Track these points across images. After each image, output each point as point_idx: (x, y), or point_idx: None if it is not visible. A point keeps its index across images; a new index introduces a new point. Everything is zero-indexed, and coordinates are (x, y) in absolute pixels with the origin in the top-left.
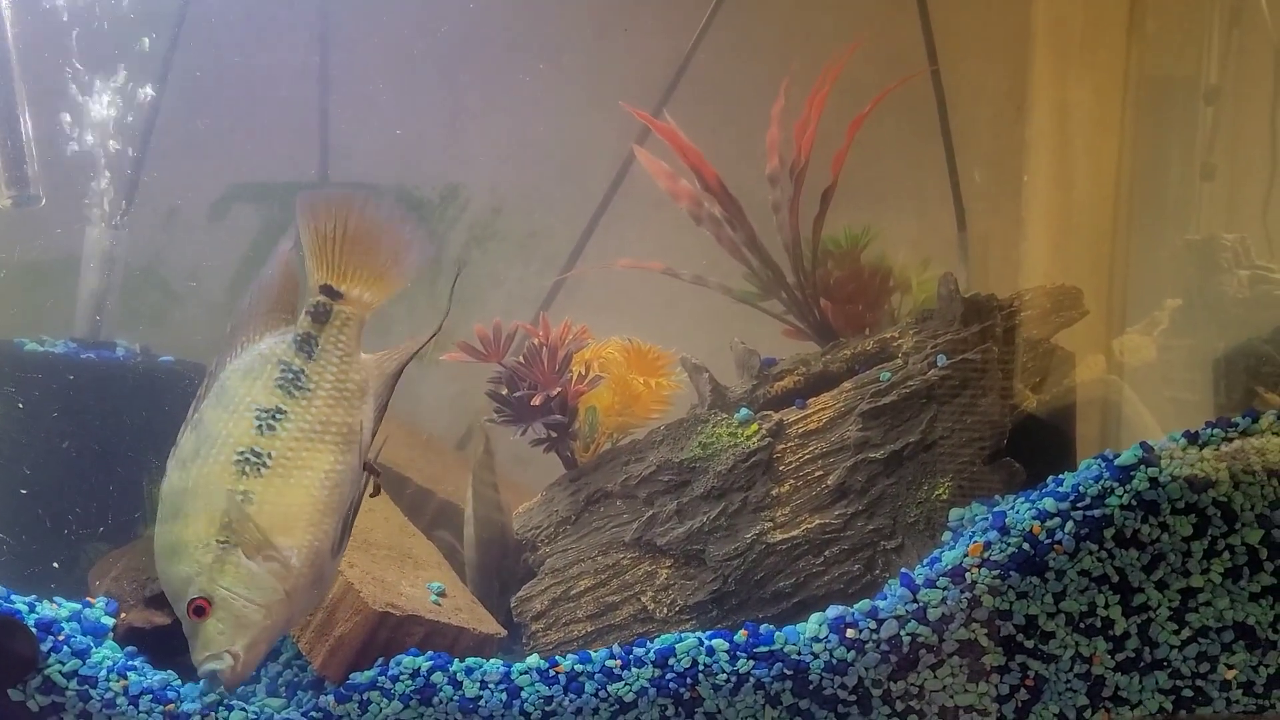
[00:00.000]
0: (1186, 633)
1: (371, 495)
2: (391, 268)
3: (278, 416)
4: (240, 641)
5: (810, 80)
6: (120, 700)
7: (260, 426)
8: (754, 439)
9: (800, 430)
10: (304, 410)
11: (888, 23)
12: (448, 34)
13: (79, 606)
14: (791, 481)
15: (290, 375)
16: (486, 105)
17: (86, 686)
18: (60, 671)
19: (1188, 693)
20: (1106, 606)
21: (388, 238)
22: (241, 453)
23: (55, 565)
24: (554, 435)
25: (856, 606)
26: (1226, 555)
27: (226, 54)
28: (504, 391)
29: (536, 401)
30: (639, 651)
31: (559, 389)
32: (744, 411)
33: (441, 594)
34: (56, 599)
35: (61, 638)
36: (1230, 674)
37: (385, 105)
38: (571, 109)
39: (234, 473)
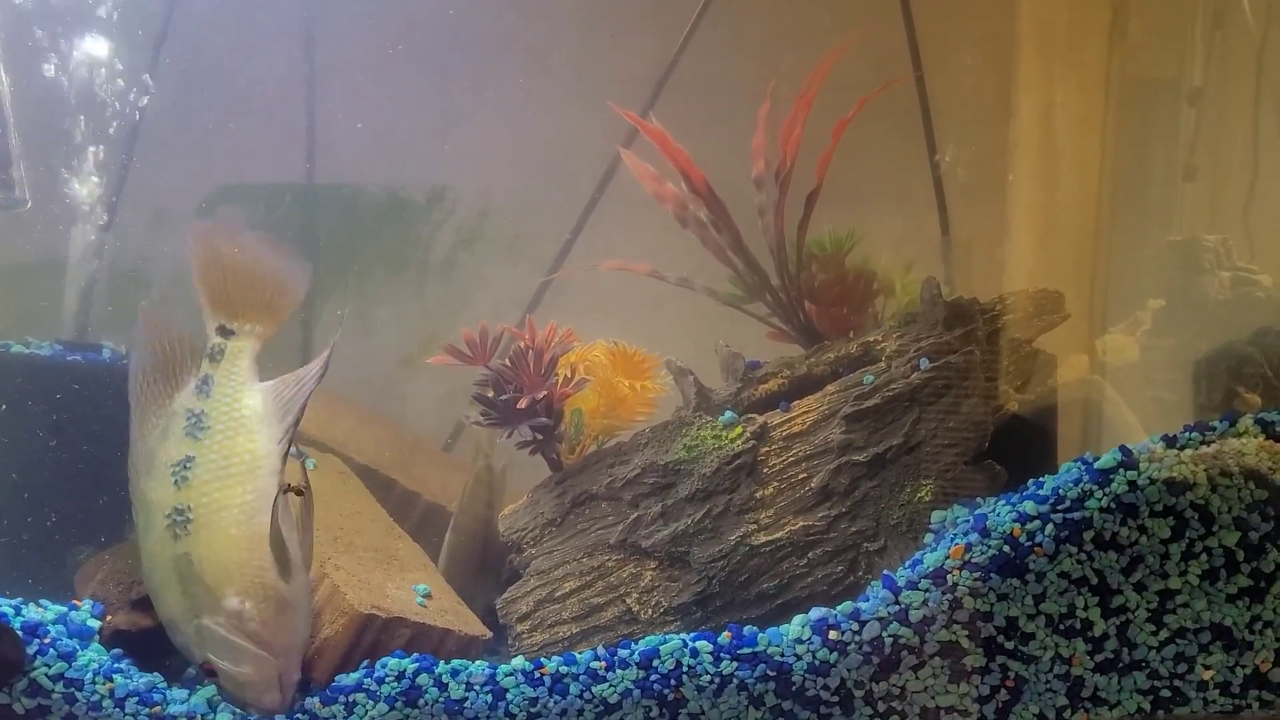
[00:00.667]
0: (1164, 634)
1: (299, 493)
2: (278, 296)
3: (188, 465)
4: (250, 695)
5: (797, 82)
6: (106, 703)
7: (176, 481)
8: (738, 442)
9: (784, 433)
10: (208, 450)
11: (876, 24)
12: (434, 35)
13: (65, 609)
14: (775, 484)
15: (193, 420)
16: (474, 106)
17: (72, 689)
18: (46, 674)
19: (1165, 693)
20: (1086, 608)
21: (267, 267)
22: (169, 515)
23: (41, 567)
24: (539, 438)
25: (839, 608)
26: (1204, 557)
27: (212, 54)
28: (490, 394)
29: (522, 404)
30: (623, 653)
31: (545, 392)
32: (728, 414)
33: (427, 596)
34: (43, 601)
35: (48, 640)
36: (1207, 674)
37: (372, 106)
38: (559, 110)
39: (170, 539)
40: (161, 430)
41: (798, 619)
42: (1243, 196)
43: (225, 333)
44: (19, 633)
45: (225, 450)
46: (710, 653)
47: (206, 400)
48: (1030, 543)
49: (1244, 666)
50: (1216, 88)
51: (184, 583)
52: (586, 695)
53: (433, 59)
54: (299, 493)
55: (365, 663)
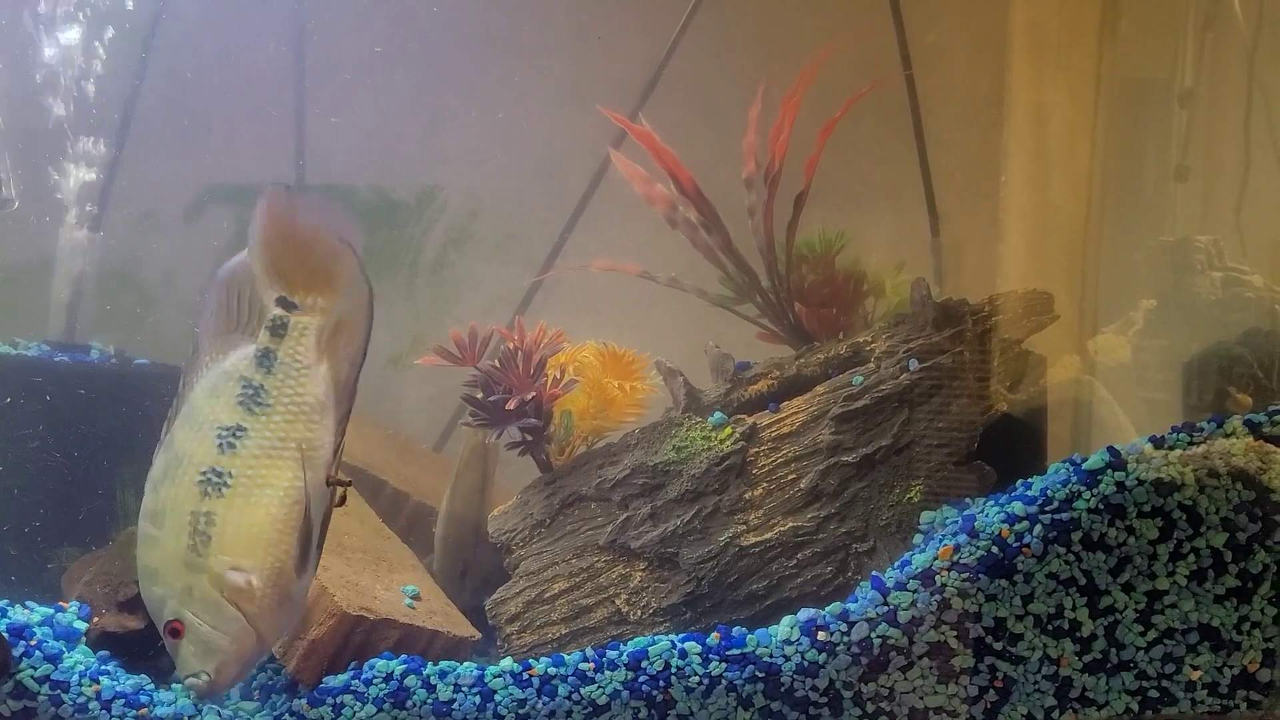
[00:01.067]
0: (1152, 634)
1: (337, 505)
2: (338, 268)
3: (238, 434)
4: (210, 665)
5: (789, 83)
6: (93, 705)
7: (221, 445)
8: (727, 442)
9: (773, 434)
10: (263, 426)
11: (867, 26)
12: (425, 35)
13: (51, 611)
14: (765, 485)
15: (250, 391)
16: (464, 107)
17: (59, 691)
18: (32, 677)
19: (1153, 693)
20: (1074, 609)
21: (329, 237)
22: (204, 472)
23: (28, 569)
24: (529, 439)
25: (828, 609)
26: (1192, 558)
27: (201, 55)
28: (479, 395)
29: (511, 405)
30: (612, 654)
31: (534, 393)
32: (718, 415)
33: (416, 597)
34: (29, 603)
35: (34, 643)
36: (1195, 675)
37: (362, 107)
38: (550, 110)
39: (197, 494)
40: (210, 388)
41: (786, 620)
42: (1234, 197)
43: (287, 305)
44: (5, 635)
45: (282, 432)
46: (699, 654)
47: (268, 377)
48: (1018, 543)
49: (1231, 667)
50: (1208, 88)
51: (195, 538)
52: (575, 696)
53: (423, 59)
54: (345, 484)
55: (353, 664)
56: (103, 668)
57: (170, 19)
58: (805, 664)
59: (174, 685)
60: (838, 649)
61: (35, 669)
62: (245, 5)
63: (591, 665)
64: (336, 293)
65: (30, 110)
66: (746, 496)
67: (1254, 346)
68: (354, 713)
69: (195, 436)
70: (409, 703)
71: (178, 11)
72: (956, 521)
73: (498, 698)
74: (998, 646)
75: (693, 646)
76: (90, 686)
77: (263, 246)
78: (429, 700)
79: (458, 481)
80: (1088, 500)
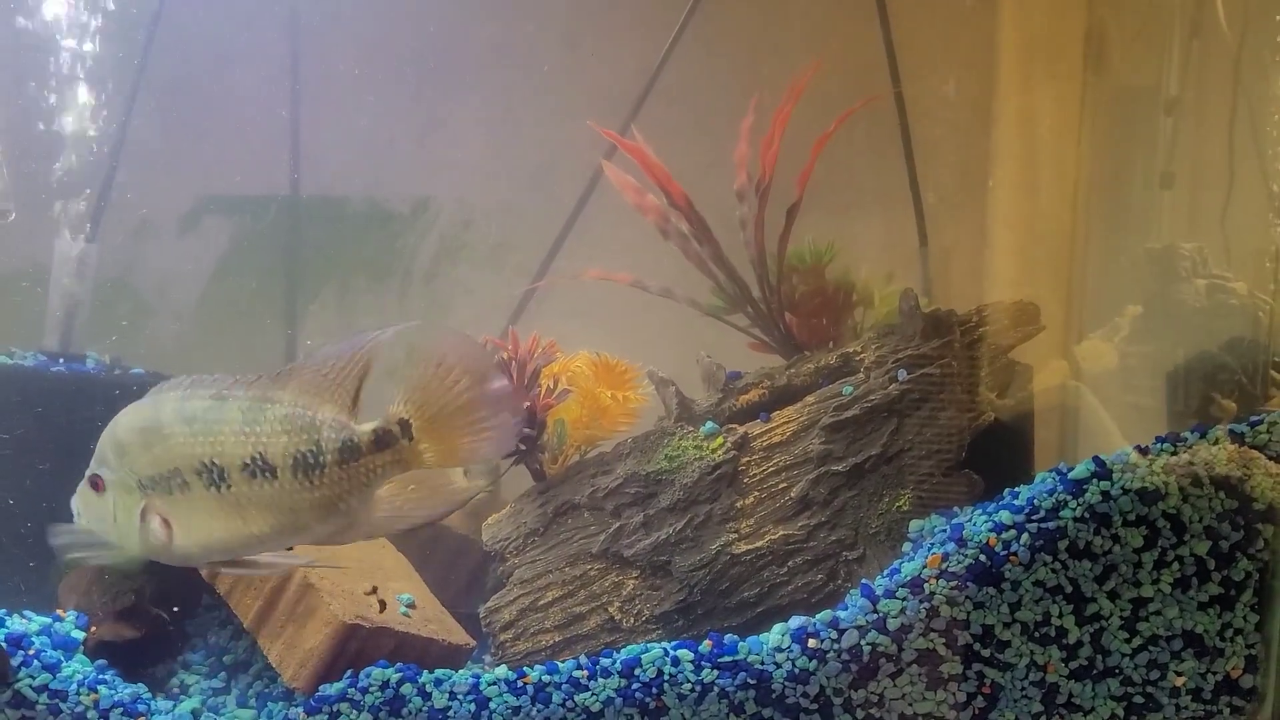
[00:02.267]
0: (1137, 641)
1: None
2: (467, 446)
3: (269, 477)
4: (91, 524)
5: (779, 94)
6: (91, 714)
7: (249, 468)
8: (719, 452)
9: (764, 443)
10: (290, 494)
11: (858, 35)
12: (418, 47)
13: (49, 620)
14: (756, 494)
15: (310, 460)
16: (458, 117)
17: (57, 700)
18: (30, 686)
19: (1139, 699)
20: (1060, 616)
21: (482, 416)
22: (216, 465)
23: (25, 578)
24: (523, 448)
25: (818, 617)
26: (1176, 566)
27: (197, 66)
28: None
29: None
30: (605, 662)
31: (528, 402)
32: (710, 425)
33: (411, 605)
34: (27, 613)
35: (32, 652)
36: (1179, 681)
37: (356, 117)
38: (543, 120)
39: (195, 468)
40: (285, 417)
41: (777, 627)
42: (1219, 204)
43: (405, 429)
44: (3, 644)
45: (296, 510)
46: (691, 661)
47: (336, 468)
48: (1006, 552)
49: (1215, 673)
50: (1193, 96)
51: (167, 481)
52: (569, 704)
53: (417, 69)
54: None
55: (349, 672)
56: (100, 677)
57: (167, 30)
58: (796, 671)
59: (173, 696)
60: (828, 656)
61: (34, 678)
62: (240, 15)
63: (585, 673)
64: (448, 462)
65: (26, 119)
66: (738, 505)
67: (1238, 354)
68: None
69: (239, 432)
70: (405, 710)
71: (174, 22)
72: (945, 530)
73: (492, 705)
74: (985, 653)
75: (685, 654)
76: (88, 695)
77: (428, 381)
78: (424, 708)
79: None
80: (1074, 509)
